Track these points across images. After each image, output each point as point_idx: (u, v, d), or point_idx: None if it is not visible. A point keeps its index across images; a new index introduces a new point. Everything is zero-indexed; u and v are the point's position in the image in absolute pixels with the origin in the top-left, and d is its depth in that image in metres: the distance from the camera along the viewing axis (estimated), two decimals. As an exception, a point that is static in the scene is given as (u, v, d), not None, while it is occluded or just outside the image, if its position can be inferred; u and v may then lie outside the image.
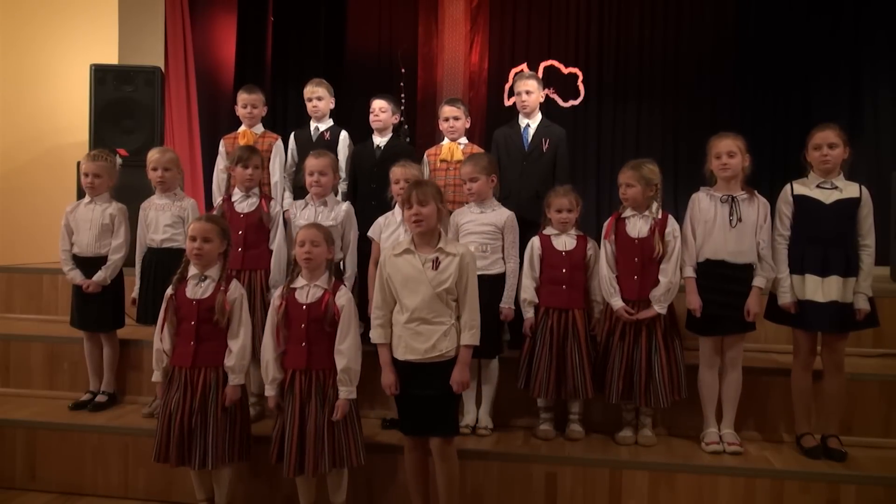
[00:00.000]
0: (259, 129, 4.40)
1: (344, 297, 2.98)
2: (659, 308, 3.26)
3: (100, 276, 3.69)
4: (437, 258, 2.80)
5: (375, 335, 2.88)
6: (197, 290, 3.02)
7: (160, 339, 3.02)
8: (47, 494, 3.49)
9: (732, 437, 3.33)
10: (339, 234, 3.50)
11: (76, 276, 3.72)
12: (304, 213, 3.62)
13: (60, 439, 3.54)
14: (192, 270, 3.05)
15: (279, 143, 4.34)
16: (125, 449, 3.48)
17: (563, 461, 3.24)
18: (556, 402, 3.51)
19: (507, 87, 7.49)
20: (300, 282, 3.00)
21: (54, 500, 3.44)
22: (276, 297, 3.04)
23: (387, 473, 3.21)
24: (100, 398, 3.79)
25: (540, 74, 6.67)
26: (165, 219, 3.66)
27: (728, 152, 3.27)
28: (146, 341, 3.83)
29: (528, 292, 3.45)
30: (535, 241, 3.49)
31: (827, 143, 3.21)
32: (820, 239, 3.22)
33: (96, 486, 3.49)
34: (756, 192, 3.34)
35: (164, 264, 3.59)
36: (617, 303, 3.32)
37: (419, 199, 2.78)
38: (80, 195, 4.70)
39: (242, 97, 4.38)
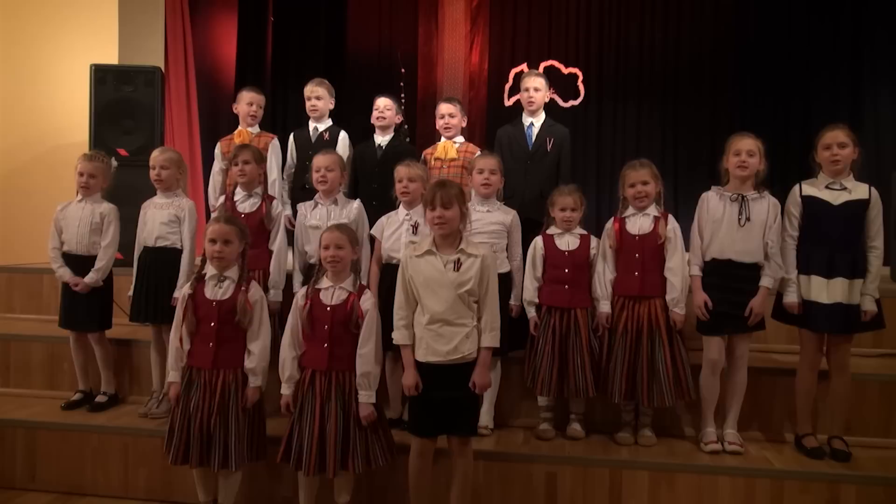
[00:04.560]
0: (255, 129, 4.41)
1: (368, 301, 2.97)
2: (680, 310, 3.28)
3: (91, 277, 3.67)
4: (459, 259, 2.79)
5: (399, 336, 2.87)
6: (217, 290, 3.00)
7: (179, 340, 3.01)
8: (47, 494, 3.48)
9: (734, 436, 3.33)
10: None
11: (64, 273, 3.70)
12: (315, 213, 3.61)
13: (60, 439, 3.53)
14: (210, 271, 3.03)
15: (275, 142, 4.35)
16: (125, 449, 3.47)
17: (563, 461, 3.24)
18: (558, 402, 3.51)
19: (507, 87, 7.50)
20: (325, 283, 2.99)
21: (54, 501, 3.44)
22: (299, 296, 3.03)
23: (387, 473, 3.20)
24: (100, 398, 3.78)
25: (540, 74, 6.67)
26: (162, 217, 3.64)
27: (748, 151, 3.26)
28: (145, 341, 3.84)
29: (529, 293, 3.45)
30: (537, 242, 3.50)
31: (837, 142, 3.20)
32: (827, 240, 3.20)
33: (96, 486, 3.49)
34: (767, 191, 3.33)
35: (157, 263, 3.61)
36: (605, 307, 3.36)
37: (443, 201, 2.76)
38: (80, 195, 4.72)
39: (249, 95, 4.39)
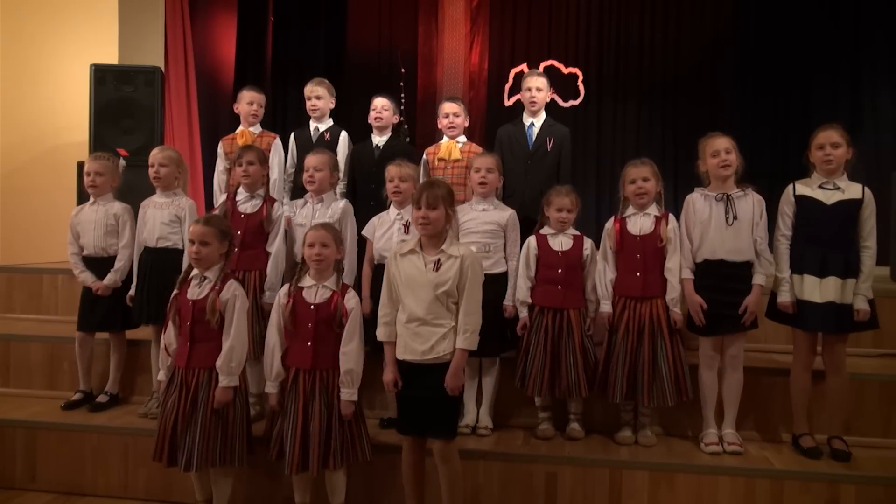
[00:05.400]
0: (257, 128, 4.40)
1: (353, 300, 3.00)
2: (680, 310, 3.29)
3: (110, 278, 3.70)
4: (439, 260, 2.80)
5: (381, 333, 2.88)
6: (195, 290, 3.02)
7: (165, 339, 3.04)
8: (47, 494, 3.49)
9: (733, 437, 3.33)
10: None
11: (87, 278, 3.72)
12: (302, 212, 3.62)
13: (60, 439, 3.53)
14: (194, 271, 3.06)
15: (277, 141, 4.34)
16: (125, 449, 3.48)
17: (563, 461, 3.24)
18: (555, 402, 3.51)
19: (507, 87, 7.50)
20: (308, 281, 3.01)
21: (54, 500, 3.44)
22: (281, 294, 3.04)
23: (386, 473, 3.21)
24: (101, 398, 3.79)
25: (540, 74, 6.66)
26: (162, 217, 3.65)
27: (726, 149, 3.28)
28: (145, 341, 3.83)
29: (522, 292, 3.44)
30: (531, 241, 3.49)
31: (830, 142, 3.21)
32: (819, 239, 3.21)
33: (96, 486, 3.49)
34: (750, 188, 3.34)
35: (158, 263, 3.61)
36: (606, 307, 3.36)
37: (428, 202, 2.77)
38: (80, 195, 4.71)
39: (250, 95, 4.39)
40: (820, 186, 3.25)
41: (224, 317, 2.99)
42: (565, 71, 7.49)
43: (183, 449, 2.92)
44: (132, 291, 3.69)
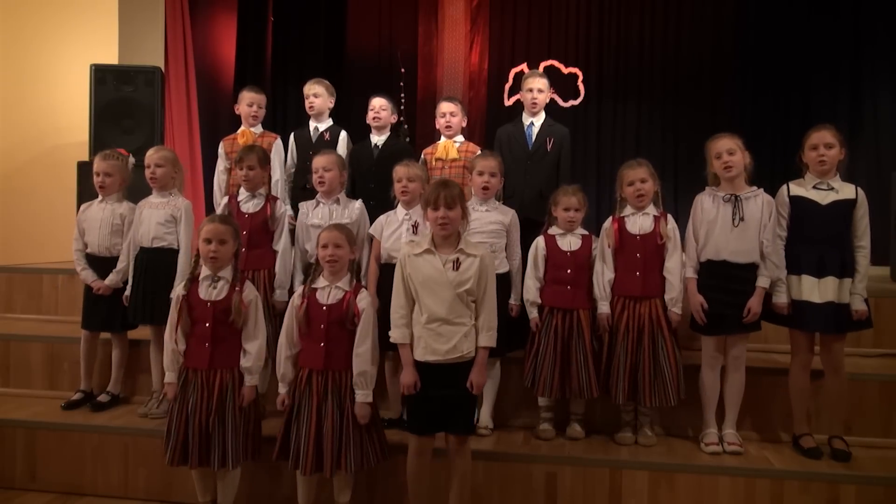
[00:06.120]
0: (258, 129, 4.40)
1: (365, 300, 2.98)
2: (678, 310, 3.29)
3: (111, 279, 3.69)
4: (458, 259, 2.80)
5: (397, 335, 2.85)
6: (211, 291, 3.00)
7: (174, 341, 3.00)
8: (47, 494, 3.48)
9: (734, 437, 3.33)
10: (354, 231, 3.50)
11: (88, 275, 3.72)
12: (316, 212, 3.61)
13: (60, 439, 3.53)
14: (204, 272, 3.03)
15: (278, 142, 4.34)
16: (125, 449, 3.47)
17: (563, 461, 3.24)
18: (558, 403, 3.51)
19: (507, 87, 7.50)
20: (321, 282, 3.00)
21: (54, 500, 3.44)
22: (296, 295, 3.03)
23: (387, 473, 3.20)
24: (102, 397, 3.78)
25: (540, 74, 6.66)
26: (158, 217, 3.63)
27: (728, 150, 3.27)
28: (145, 341, 3.83)
29: (531, 293, 3.44)
30: (539, 242, 3.49)
31: (823, 142, 3.21)
32: (815, 240, 3.22)
33: (96, 486, 3.49)
34: (762, 189, 3.33)
35: (154, 263, 3.59)
36: (604, 308, 3.35)
37: (447, 202, 2.76)
38: (80, 195, 4.71)
39: (250, 96, 4.38)
40: (814, 187, 3.25)
41: (247, 317, 2.99)
42: (565, 71, 7.50)
43: (214, 449, 2.92)
44: (128, 291, 3.68)
